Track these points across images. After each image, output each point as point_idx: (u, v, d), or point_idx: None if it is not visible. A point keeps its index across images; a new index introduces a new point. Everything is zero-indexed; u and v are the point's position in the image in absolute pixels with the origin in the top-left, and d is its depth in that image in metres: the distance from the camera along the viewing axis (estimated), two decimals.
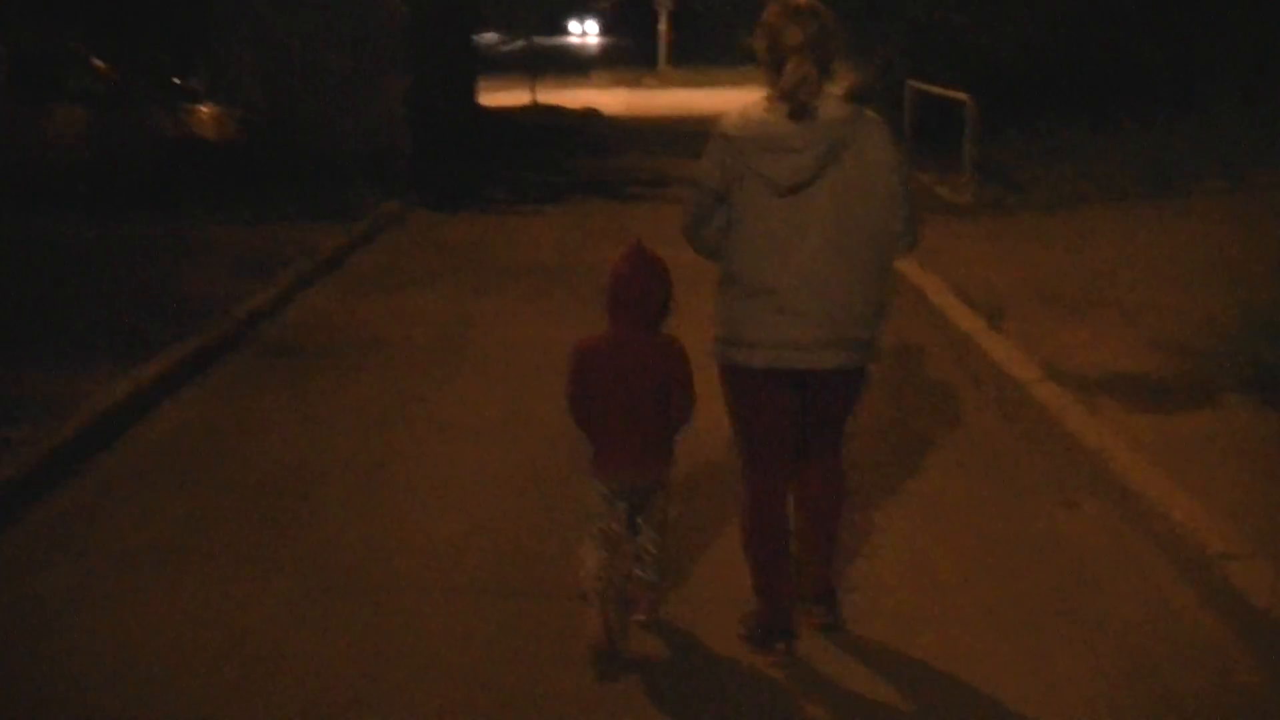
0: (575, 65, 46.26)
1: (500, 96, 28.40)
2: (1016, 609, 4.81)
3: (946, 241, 11.31)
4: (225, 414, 7.33)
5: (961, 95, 13.89)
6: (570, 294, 9.71)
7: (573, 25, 73.51)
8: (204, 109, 14.69)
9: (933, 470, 6.24)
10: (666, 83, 42.46)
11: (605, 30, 71.71)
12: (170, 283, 9.94)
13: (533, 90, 29.52)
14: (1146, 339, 7.68)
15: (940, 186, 14.50)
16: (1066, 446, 6.23)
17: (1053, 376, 6.99)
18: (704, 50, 45.53)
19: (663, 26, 46.98)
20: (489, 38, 49.65)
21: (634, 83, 41.66)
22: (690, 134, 24.50)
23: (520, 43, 41.07)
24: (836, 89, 4.28)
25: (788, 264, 4.04)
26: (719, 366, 4.32)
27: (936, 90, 15.08)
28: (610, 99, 32.98)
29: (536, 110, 27.64)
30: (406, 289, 10.56)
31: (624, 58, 49.82)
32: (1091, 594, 4.91)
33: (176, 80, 15.50)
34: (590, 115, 28.06)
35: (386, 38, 15.60)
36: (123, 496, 6.09)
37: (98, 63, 14.21)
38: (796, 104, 4.02)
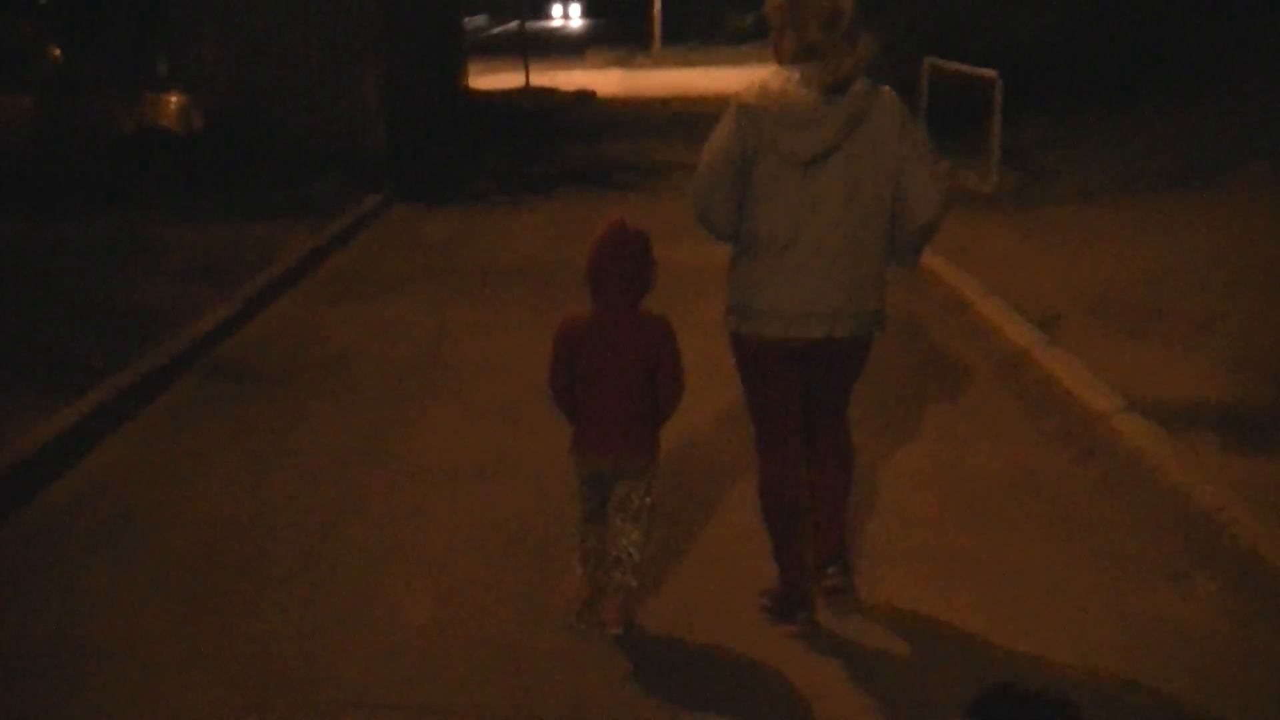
0: (571, 46, 45.08)
1: (493, 79, 27.35)
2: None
3: (975, 236, 10.28)
4: (163, 456, 6.29)
5: (987, 72, 12.81)
6: (559, 298, 8.56)
7: (555, 8, 72.23)
8: (167, 98, 13.57)
9: (998, 533, 5.19)
10: (660, 63, 41.51)
11: (588, 13, 70.27)
12: (117, 292, 8.89)
13: (525, 72, 28.41)
14: (1228, 357, 6.65)
15: (961, 173, 13.45)
16: (1163, 497, 5.20)
17: (1134, 406, 5.95)
18: (693, 30, 44.71)
19: (656, 6, 46.05)
20: (479, 20, 48.43)
21: (627, 63, 40.73)
22: (687, 116, 23.72)
23: (514, 24, 40.07)
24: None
25: (803, 234, 4.07)
26: (729, 336, 4.33)
27: (957, 67, 13.98)
28: (604, 80, 31.87)
29: (529, 93, 26.50)
30: (380, 296, 9.50)
31: (611, 38, 48.61)
32: (1228, 698, 3.89)
33: (136, 66, 14.38)
34: (584, 97, 26.97)
35: (361, 21, 14.42)
36: (22, 570, 5.05)
37: (52, 48, 13.13)
38: (837, 81, 4.05)
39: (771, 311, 4.15)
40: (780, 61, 4.14)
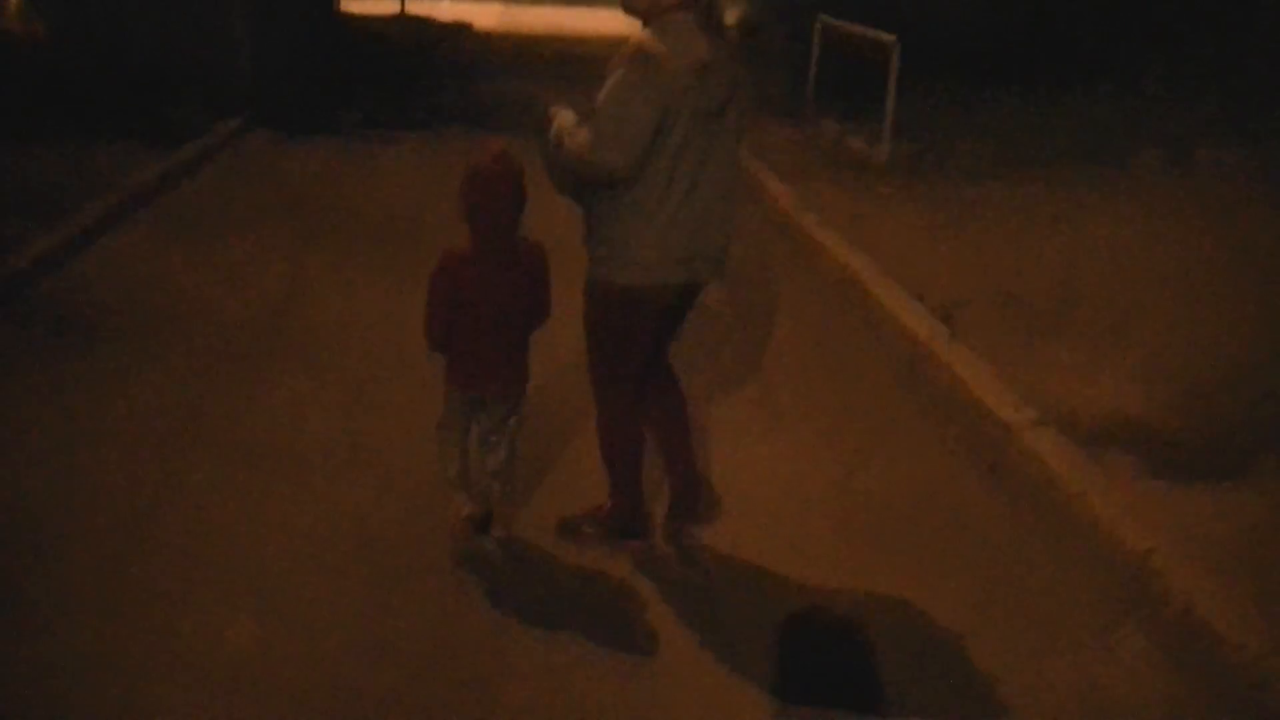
0: None
1: (366, 4, 26.20)
2: None
3: (867, 209, 9.76)
4: None
5: (885, 36, 12.26)
6: (428, 251, 7.95)
7: None
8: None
9: (896, 574, 4.63)
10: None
11: None
12: None
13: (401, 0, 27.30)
14: (1145, 364, 6.17)
15: (851, 139, 12.93)
16: (1084, 533, 4.70)
17: (1046, 419, 5.44)
18: None
19: None
20: None
21: None
22: (570, 56, 22.95)
23: None
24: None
25: (701, 181, 4.12)
26: (601, 287, 4.24)
27: (854, 29, 13.41)
28: (483, 13, 30.87)
29: (404, 20, 25.40)
30: (229, 236, 8.64)
31: None
32: None
33: None
34: (461, 29, 25.98)
35: None
36: None
37: None
38: (715, 21, 4.16)
39: (659, 258, 4.15)
40: (656, 8, 4.05)
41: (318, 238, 8.65)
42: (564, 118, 4.20)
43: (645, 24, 4.05)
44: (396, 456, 5.18)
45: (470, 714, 3.66)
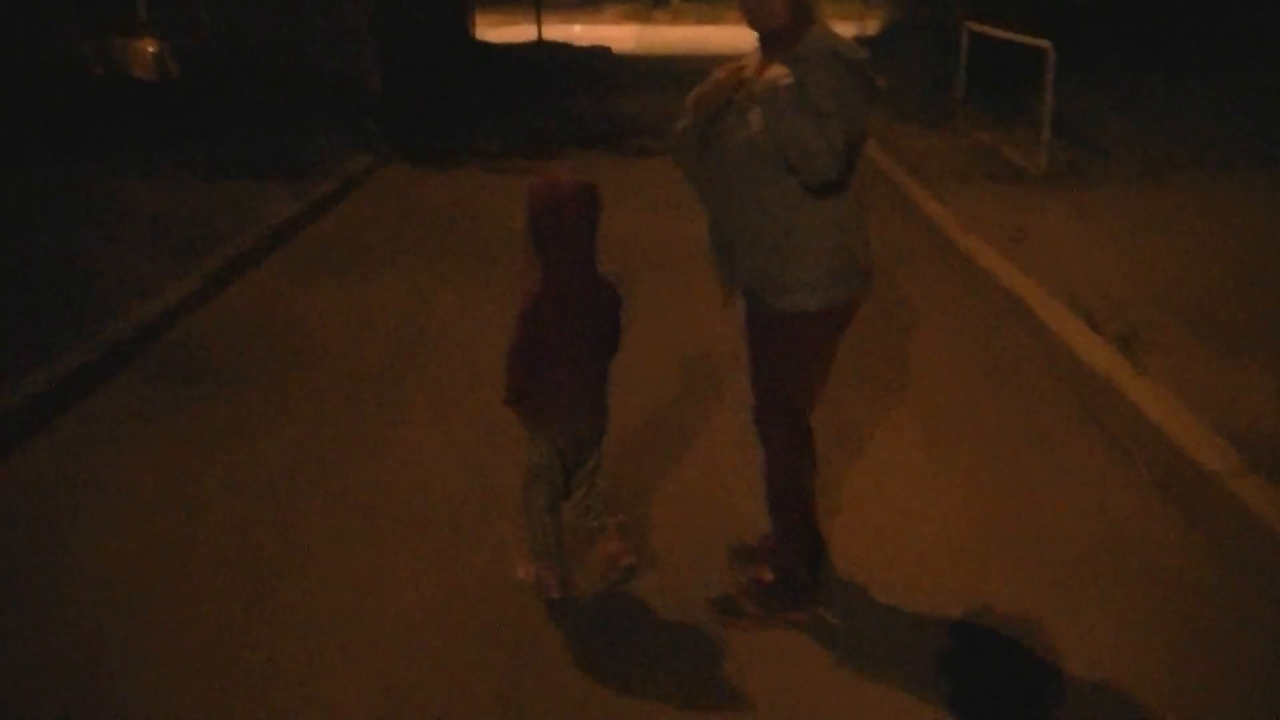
0: None
1: (503, 31, 26.18)
2: None
3: (1029, 223, 9.16)
4: (70, 484, 5.21)
5: (1039, 42, 11.63)
6: None
7: None
8: (141, 44, 12.44)
9: (1095, 629, 4.11)
10: (679, 18, 40.42)
11: None
12: (58, 262, 7.84)
13: (538, 24, 27.21)
14: None
15: (1007, 148, 12.30)
16: None
17: (1257, 466, 4.84)
18: None
19: None
20: None
21: (645, 18, 39.66)
22: (704, 75, 22.43)
23: None
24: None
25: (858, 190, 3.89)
26: (795, 316, 3.84)
27: (1005, 35, 12.78)
28: (621, 34, 30.72)
29: (542, 46, 25.29)
30: (361, 275, 8.38)
31: None
32: None
33: (113, 7, 13.22)
34: (600, 52, 25.77)
35: None
36: None
37: None
38: None
39: (848, 272, 3.86)
40: (813, 18, 3.77)
41: (452, 276, 8.33)
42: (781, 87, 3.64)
43: (798, 29, 3.72)
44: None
45: None
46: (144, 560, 4.54)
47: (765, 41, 3.83)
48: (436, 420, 5.84)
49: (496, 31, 25.71)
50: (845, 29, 7.15)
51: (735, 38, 27.51)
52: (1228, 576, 4.39)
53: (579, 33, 29.30)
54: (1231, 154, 10.95)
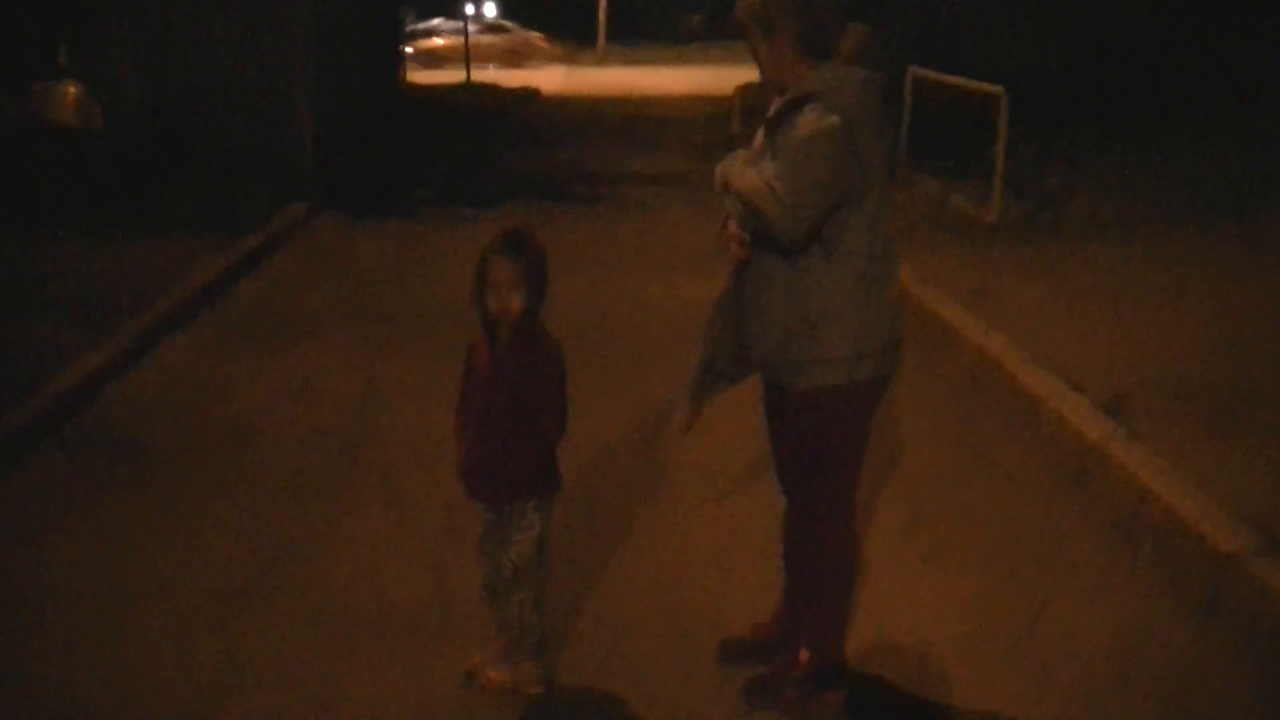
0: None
1: (432, 74, 25.82)
2: None
3: (988, 277, 8.89)
4: None
5: (990, 87, 11.41)
6: None
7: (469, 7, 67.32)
8: (62, 87, 11.90)
9: None
10: (605, 61, 40.40)
11: (504, 13, 64.81)
12: None
13: (467, 68, 26.87)
14: None
15: (956, 197, 12.06)
16: None
17: (1275, 544, 4.53)
18: (636, 29, 43.97)
19: (603, 3, 44.74)
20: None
21: (573, 60, 39.58)
22: (640, 119, 22.37)
23: (436, 21, 38.78)
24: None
25: (891, 253, 3.64)
26: (829, 393, 3.61)
27: (956, 81, 12.56)
28: (548, 78, 30.45)
29: (470, 89, 24.93)
30: (296, 341, 7.91)
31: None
32: None
33: (29, 55, 12.66)
34: (528, 95, 25.47)
35: (287, 9, 12.68)
36: None
37: None
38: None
39: (884, 344, 3.64)
40: (776, 68, 3.57)
41: (392, 340, 7.89)
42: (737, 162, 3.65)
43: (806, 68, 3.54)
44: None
45: None
46: (66, 679, 4.06)
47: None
48: (388, 505, 5.40)
49: (426, 74, 25.33)
50: None
51: (662, 81, 27.33)
52: (1253, 667, 4.06)
53: (509, 76, 29.01)
54: (1176, 213, 10.79)
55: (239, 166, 11.69)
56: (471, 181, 14.14)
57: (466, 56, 27.54)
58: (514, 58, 37.13)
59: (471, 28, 31.34)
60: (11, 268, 8.81)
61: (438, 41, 37.03)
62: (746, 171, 3.52)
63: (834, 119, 3.38)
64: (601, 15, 44.78)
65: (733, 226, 3.66)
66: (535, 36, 40.16)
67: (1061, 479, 5.67)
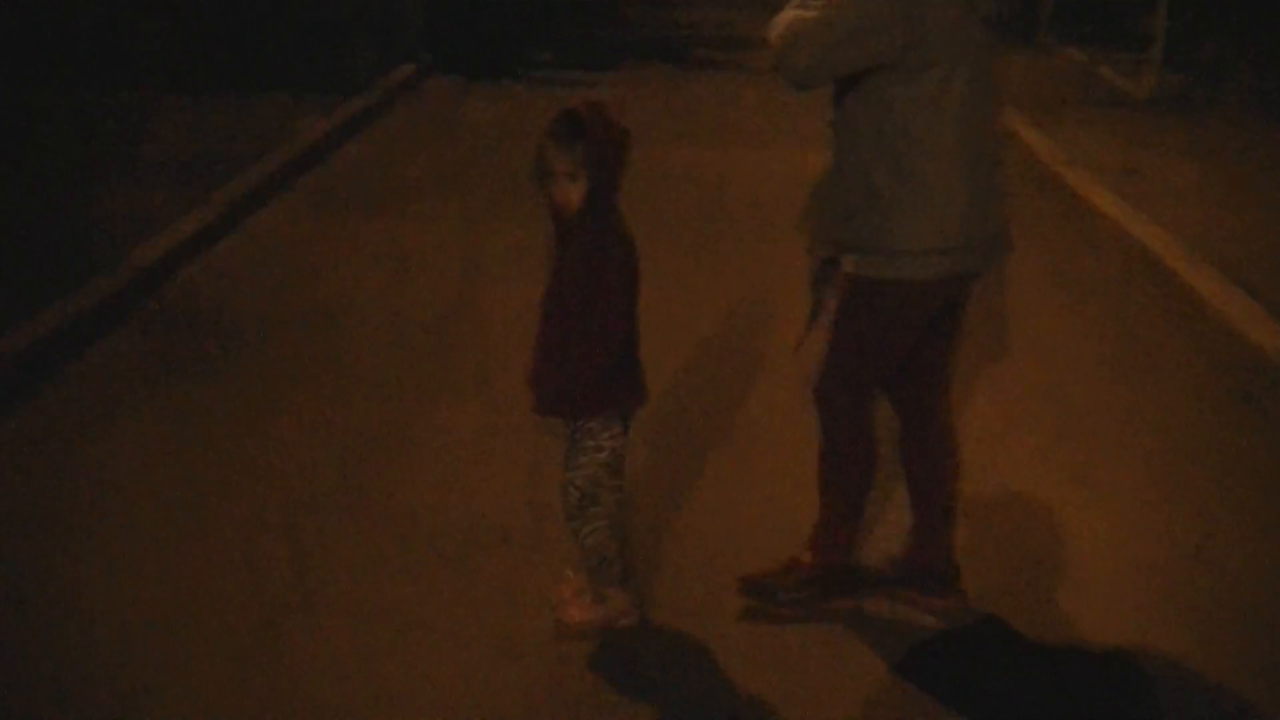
0: None
1: None
2: None
3: (1142, 158, 8.17)
4: (43, 480, 4.36)
5: None
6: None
7: None
8: None
9: None
10: None
11: None
12: (61, 192, 7.00)
13: None
14: None
15: (1104, 68, 11.23)
16: None
17: None
18: None
19: None
20: None
21: None
22: None
23: None
24: None
25: (979, 142, 3.24)
26: (861, 280, 3.29)
27: None
28: None
29: None
30: (397, 211, 7.48)
31: None
32: None
33: None
34: None
35: None
36: None
37: None
38: None
39: (939, 243, 3.21)
40: None
41: (500, 212, 7.40)
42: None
43: None
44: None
45: None
46: (124, 585, 3.71)
47: None
48: (481, 399, 4.96)
49: None
50: None
51: None
52: None
53: None
54: None
55: (348, 23, 11.22)
56: (590, 43, 13.55)
57: None
58: None
59: None
60: (105, 127, 8.46)
61: None
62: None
63: None
64: None
65: None
66: None
67: (1229, 393, 5.07)
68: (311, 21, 11.07)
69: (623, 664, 3.37)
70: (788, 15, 3.26)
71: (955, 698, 3.21)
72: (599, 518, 3.35)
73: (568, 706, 3.21)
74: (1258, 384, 5.04)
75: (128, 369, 5.24)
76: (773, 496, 4.20)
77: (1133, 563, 3.88)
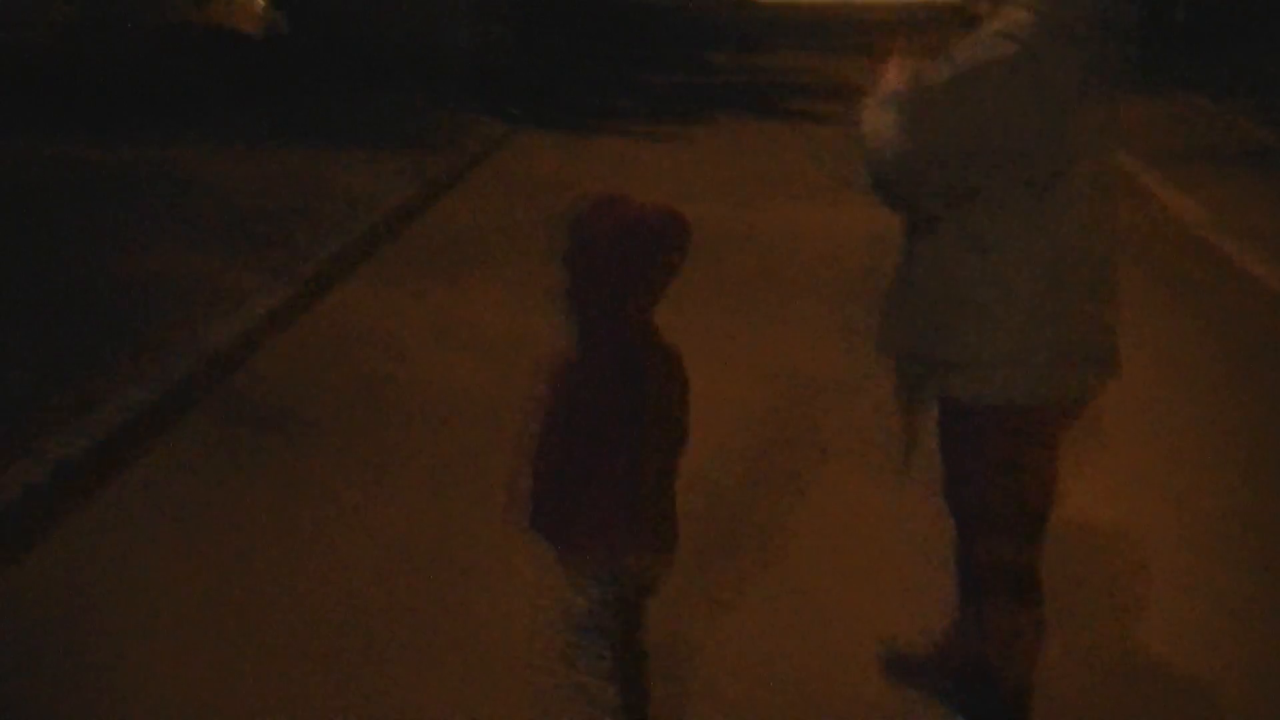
0: None
1: None
2: None
3: None
4: (117, 577, 3.82)
5: None
6: (723, 292, 6.19)
7: None
8: None
9: None
10: None
11: None
12: (115, 261, 6.51)
13: None
14: None
15: (1243, 119, 10.47)
16: None
17: None
18: None
19: None
20: None
21: None
22: (861, 25, 20.72)
23: None
24: None
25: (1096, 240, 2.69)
26: (970, 410, 2.72)
27: None
28: None
29: None
30: (476, 279, 6.94)
31: None
32: None
33: None
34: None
35: None
36: None
37: None
38: None
39: (1053, 355, 2.67)
40: None
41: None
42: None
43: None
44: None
45: None
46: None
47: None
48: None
49: None
50: None
51: None
52: None
53: None
54: None
55: (434, 79, 10.80)
56: (675, 90, 13.08)
57: None
58: None
59: None
60: (169, 185, 7.98)
61: None
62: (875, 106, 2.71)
63: (1009, 47, 2.50)
64: None
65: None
66: None
67: None
68: (397, 77, 10.66)
69: None
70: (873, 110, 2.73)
71: None
72: (582, 667, 2.77)
73: None
74: None
75: (193, 462, 4.68)
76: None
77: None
